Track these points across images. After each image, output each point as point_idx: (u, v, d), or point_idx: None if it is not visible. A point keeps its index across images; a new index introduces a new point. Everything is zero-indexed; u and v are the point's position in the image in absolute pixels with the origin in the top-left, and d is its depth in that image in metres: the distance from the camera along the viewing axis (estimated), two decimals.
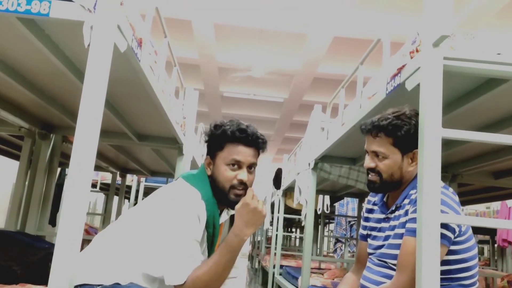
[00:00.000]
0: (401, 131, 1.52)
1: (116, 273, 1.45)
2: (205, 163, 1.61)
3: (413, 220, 1.43)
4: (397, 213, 1.58)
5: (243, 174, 1.54)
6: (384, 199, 1.70)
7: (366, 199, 1.84)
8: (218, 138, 1.56)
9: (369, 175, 1.62)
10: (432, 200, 1.29)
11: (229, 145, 1.55)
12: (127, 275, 1.45)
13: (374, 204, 1.76)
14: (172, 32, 2.56)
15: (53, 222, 5.30)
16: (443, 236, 1.35)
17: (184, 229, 1.45)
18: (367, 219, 1.77)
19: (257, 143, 1.58)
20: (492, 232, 7.17)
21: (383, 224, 1.64)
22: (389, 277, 1.53)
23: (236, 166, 1.55)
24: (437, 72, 1.36)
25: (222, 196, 1.56)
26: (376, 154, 1.59)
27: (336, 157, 3.26)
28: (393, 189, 1.62)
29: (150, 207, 1.56)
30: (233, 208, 1.55)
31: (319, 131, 3.35)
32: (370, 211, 1.77)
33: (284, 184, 5.59)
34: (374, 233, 1.69)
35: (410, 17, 5.66)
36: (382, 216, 1.66)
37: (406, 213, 1.52)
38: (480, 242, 9.93)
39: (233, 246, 1.47)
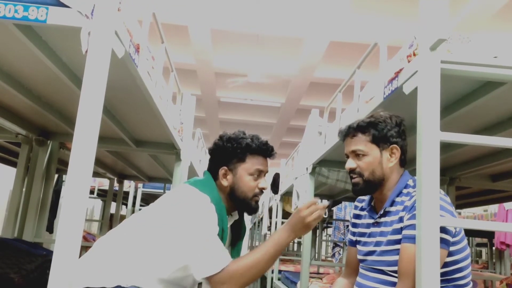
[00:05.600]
0: (376, 128, 1.59)
1: (118, 275, 1.45)
2: (221, 173, 1.68)
3: (411, 227, 1.43)
4: (388, 218, 1.57)
5: (264, 183, 1.71)
6: (372, 203, 1.70)
7: (353, 205, 1.85)
8: (242, 150, 1.67)
9: (352, 179, 1.65)
10: (431, 204, 1.28)
11: (250, 156, 1.68)
12: (129, 277, 1.45)
13: (361, 209, 1.76)
14: (169, 37, 2.56)
15: (50, 229, 5.28)
16: (442, 240, 1.35)
17: (205, 224, 1.50)
18: (355, 225, 1.77)
19: (272, 155, 1.74)
20: (490, 235, 7.17)
21: (373, 229, 1.64)
22: (386, 283, 1.53)
23: (256, 176, 1.69)
24: (435, 75, 1.36)
25: (243, 204, 1.69)
26: (355, 154, 1.62)
27: (334, 161, 3.25)
28: (377, 188, 1.62)
29: (160, 211, 1.58)
30: (251, 214, 1.72)
31: (317, 136, 3.35)
32: (357, 216, 1.77)
33: (282, 188, 5.59)
34: (364, 239, 1.68)
35: (407, 21, 5.68)
36: (371, 221, 1.65)
37: (400, 220, 1.51)
38: (478, 245, 9.94)
39: (281, 243, 1.57)
